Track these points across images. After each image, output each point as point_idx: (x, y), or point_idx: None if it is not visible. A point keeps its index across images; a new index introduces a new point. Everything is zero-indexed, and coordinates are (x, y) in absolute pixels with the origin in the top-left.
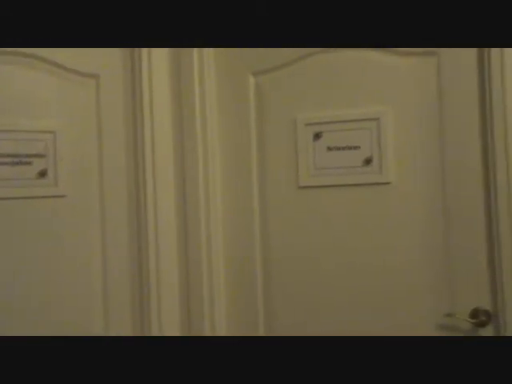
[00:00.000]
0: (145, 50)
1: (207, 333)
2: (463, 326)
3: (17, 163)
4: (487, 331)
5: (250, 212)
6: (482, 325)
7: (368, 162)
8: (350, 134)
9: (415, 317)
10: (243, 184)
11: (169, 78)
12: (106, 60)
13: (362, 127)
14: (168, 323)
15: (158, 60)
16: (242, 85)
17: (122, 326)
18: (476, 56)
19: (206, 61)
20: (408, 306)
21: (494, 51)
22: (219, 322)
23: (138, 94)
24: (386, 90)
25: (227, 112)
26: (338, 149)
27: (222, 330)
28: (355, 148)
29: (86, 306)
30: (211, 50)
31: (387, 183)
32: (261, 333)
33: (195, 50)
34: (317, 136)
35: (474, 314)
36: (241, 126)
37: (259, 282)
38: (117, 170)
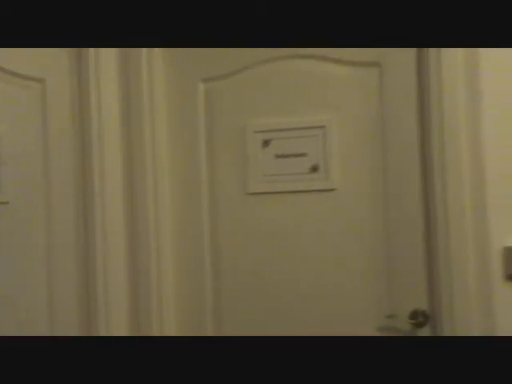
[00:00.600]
0: (92, 52)
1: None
2: (403, 327)
3: None
4: (425, 331)
5: (200, 218)
6: (421, 325)
7: (315, 169)
8: (298, 141)
9: (358, 318)
10: (192, 191)
11: (117, 81)
12: (52, 62)
13: (309, 135)
14: (116, 327)
15: (105, 62)
16: (192, 91)
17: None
18: (415, 65)
19: (155, 64)
20: (350, 308)
21: (432, 59)
22: (168, 329)
23: (85, 97)
24: (331, 99)
25: (176, 118)
26: (286, 156)
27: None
28: (302, 155)
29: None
30: (160, 55)
31: (333, 189)
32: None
33: (144, 52)
34: (265, 143)
35: (413, 315)
36: (190, 132)
37: (208, 287)
38: (63, 175)
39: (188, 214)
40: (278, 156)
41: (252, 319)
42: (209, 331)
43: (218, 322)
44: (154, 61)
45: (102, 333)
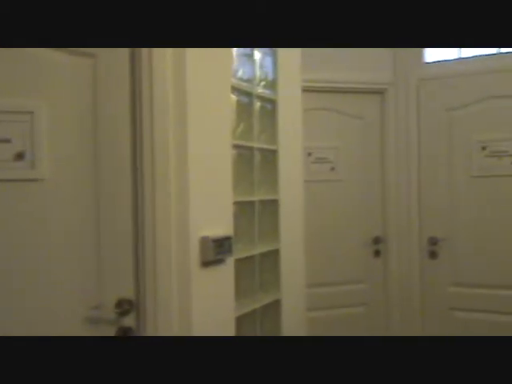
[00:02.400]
0: None
1: None
2: (109, 317)
3: None
4: (130, 319)
5: None
6: (126, 313)
7: (20, 156)
8: (1, 125)
9: (65, 310)
10: None
11: None
12: None
13: (15, 120)
14: None
15: None
16: None
17: None
18: (129, 61)
19: None
20: (57, 300)
21: (144, 55)
22: None
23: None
24: (42, 85)
25: None
26: None
27: None
28: (6, 141)
29: None
30: None
31: (41, 179)
32: None
33: None
34: None
35: (119, 303)
36: None
37: None
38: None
39: None
40: None
41: None
42: None
43: None
44: None
45: None
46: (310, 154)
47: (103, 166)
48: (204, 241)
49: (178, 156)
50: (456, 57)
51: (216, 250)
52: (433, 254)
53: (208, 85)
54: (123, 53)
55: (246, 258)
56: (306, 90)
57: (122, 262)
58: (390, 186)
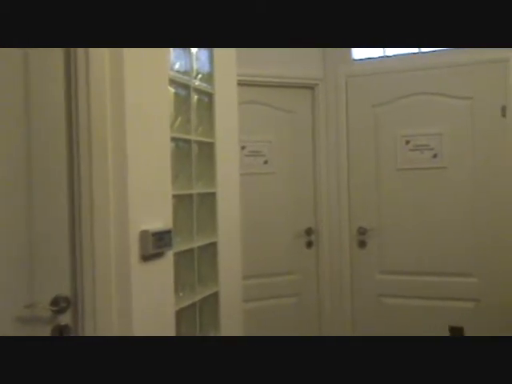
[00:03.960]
0: None
1: None
2: (44, 315)
3: None
4: (67, 317)
5: None
6: (63, 311)
7: None
8: None
9: None
10: None
11: None
12: None
13: None
14: None
15: None
16: None
17: None
18: (63, 57)
19: None
20: None
21: (80, 53)
22: None
23: None
24: None
25: None
26: None
27: None
28: None
29: None
30: None
31: None
32: None
33: None
34: None
35: (55, 301)
36: None
37: None
38: None
39: None
40: None
41: None
42: None
43: None
44: None
45: None
46: (243, 148)
47: (37, 162)
48: (144, 234)
49: (116, 150)
50: (381, 55)
51: (156, 244)
52: (362, 244)
53: (146, 77)
54: (57, 53)
55: (185, 251)
56: (240, 83)
57: (57, 258)
58: (320, 178)
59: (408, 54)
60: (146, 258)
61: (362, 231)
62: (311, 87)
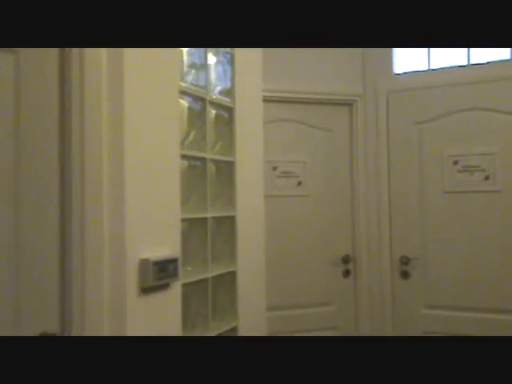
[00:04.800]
0: None
1: None
2: None
3: None
4: None
5: None
6: None
7: None
8: None
9: None
10: None
11: None
12: None
13: None
14: None
15: None
16: None
17: None
18: (57, 57)
19: None
20: None
21: (75, 53)
22: None
23: None
24: None
25: None
26: None
27: None
28: None
29: None
30: None
31: None
32: None
33: None
34: None
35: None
36: None
37: None
38: None
39: None
40: None
41: None
42: None
43: None
44: None
45: None
46: (275, 168)
47: (26, 176)
48: (144, 264)
49: (112, 166)
50: (425, 68)
51: (158, 275)
52: (405, 274)
53: (151, 86)
54: (51, 52)
55: (197, 281)
56: (271, 100)
57: (45, 291)
58: (359, 201)
59: (455, 66)
60: (146, 290)
61: (404, 260)
62: (349, 104)
